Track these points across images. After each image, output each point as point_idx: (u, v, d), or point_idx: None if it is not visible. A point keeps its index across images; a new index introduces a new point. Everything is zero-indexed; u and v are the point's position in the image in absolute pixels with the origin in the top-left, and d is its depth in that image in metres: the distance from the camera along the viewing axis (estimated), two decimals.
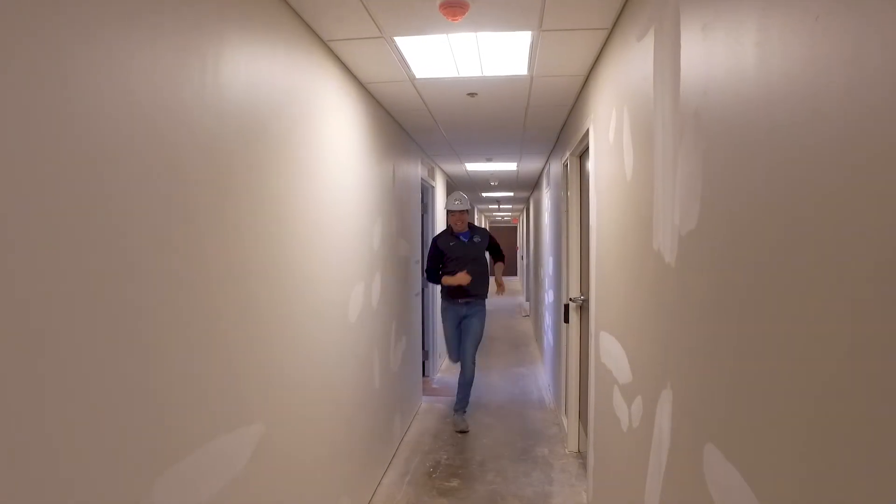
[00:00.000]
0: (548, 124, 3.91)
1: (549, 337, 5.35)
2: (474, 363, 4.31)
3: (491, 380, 5.61)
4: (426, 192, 5.43)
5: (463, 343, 4.29)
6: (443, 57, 2.48)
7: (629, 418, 1.85)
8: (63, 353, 0.92)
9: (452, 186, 7.57)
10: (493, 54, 2.44)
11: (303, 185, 2.00)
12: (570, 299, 3.61)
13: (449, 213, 4.32)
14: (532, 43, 2.29)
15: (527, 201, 10.71)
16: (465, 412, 4.25)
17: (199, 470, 1.32)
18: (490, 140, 4.54)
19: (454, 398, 4.36)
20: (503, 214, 17.19)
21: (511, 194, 9.71)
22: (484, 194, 9.62)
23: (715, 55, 1.12)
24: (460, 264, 4.19)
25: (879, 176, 0.63)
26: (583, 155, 3.46)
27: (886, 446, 0.61)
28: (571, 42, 2.28)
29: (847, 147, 0.69)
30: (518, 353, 7.06)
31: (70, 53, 0.94)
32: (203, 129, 1.34)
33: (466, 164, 5.95)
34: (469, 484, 3.20)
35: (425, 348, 5.32)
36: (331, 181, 2.34)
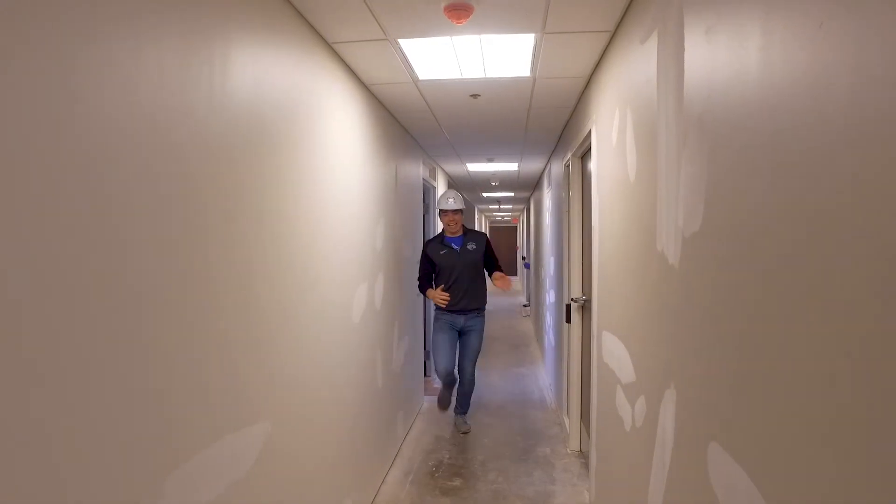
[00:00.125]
0: (550, 125, 3.92)
1: (550, 337, 5.37)
2: (474, 376, 4.06)
3: (491, 380, 5.62)
4: (427, 193, 5.44)
5: (461, 359, 3.96)
6: (446, 59, 2.49)
7: (632, 418, 1.87)
8: (72, 356, 0.93)
9: (453, 187, 7.59)
10: (497, 56, 2.46)
11: (307, 186, 2.01)
12: (572, 299, 3.63)
13: (441, 212, 3.91)
14: (535, 45, 2.30)
15: (527, 201, 10.73)
16: (465, 413, 4.15)
17: (207, 468, 1.33)
18: (492, 141, 4.55)
19: (454, 401, 4.20)
20: (503, 214, 17.20)
21: (511, 194, 9.73)
22: (484, 194, 9.64)
23: (718, 58, 1.13)
24: (451, 276, 3.79)
25: (882, 178, 0.64)
26: (584, 156, 3.47)
27: (891, 444, 0.63)
28: (574, 44, 2.29)
29: (850, 150, 0.70)
30: (518, 353, 7.07)
31: (75, 54, 0.95)
32: (209, 129, 1.36)
33: (468, 165, 5.96)
34: (471, 483, 3.22)
35: (427, 348, 5.34)
36: (334, 182, 2.35)
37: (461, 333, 3.92)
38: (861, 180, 0.69)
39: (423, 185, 5.03)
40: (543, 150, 5.03)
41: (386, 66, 2.57)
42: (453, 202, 3.87)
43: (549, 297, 5.40)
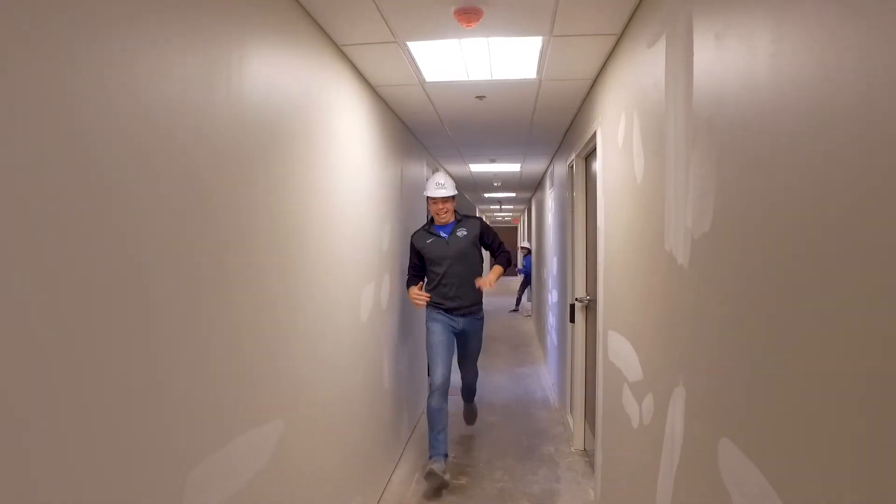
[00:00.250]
0: (553, 126, 3.95)
1: (552, 337, 5.39)
2: (476, 368, 3.70)
3: (495, 379, 5.65)
4: None
5: (462, 362, 3.61)
6: (453, 61, 2.52)
7: (640, 416, 1.89)
8: (99, 357, 0.96)
9: (460, 190, 7.60)
10: (504, 58, 2.49)
11: (316, 186, 2.04)
12: (576, 299, 3.66)
13: (429, 200, 3.37)
14: (542, 47, 2.33)
15: (528, 202, 10.76)
16: (472, 402, 3.86)
17: (227, 465, 1.36)
18: (495, 142, 4.58)
19: (459, 397, 3.88)
20: (504, 215, 17.23)
21: (513, 195, 9.76)
22: (486, 195, 9.67)
23: (728, 63, 1.16)
24: (440, 268, 3.33)
25: (891, 181, 0.67)
26: (588, 156, 3.50)
27: None
28: (581, 47, 2.32)
29: (860, 153, 0.73)
30: (520, 353, 7.10)
31: (110, 55, 0.98)
32: (225, 128, 1.38)
33: (470, 166, 5.99)
34: (477, 482, 3.24)
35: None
36: (342, 183, 2.38)
37: (459, 336, 3.46)
38: (870, 182, 0.71)
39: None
40: (546, 150, 5.06)
41: (393, 68, 2.59)
42: (443, 188, 3.29)
43: (552, 297, 5.42)
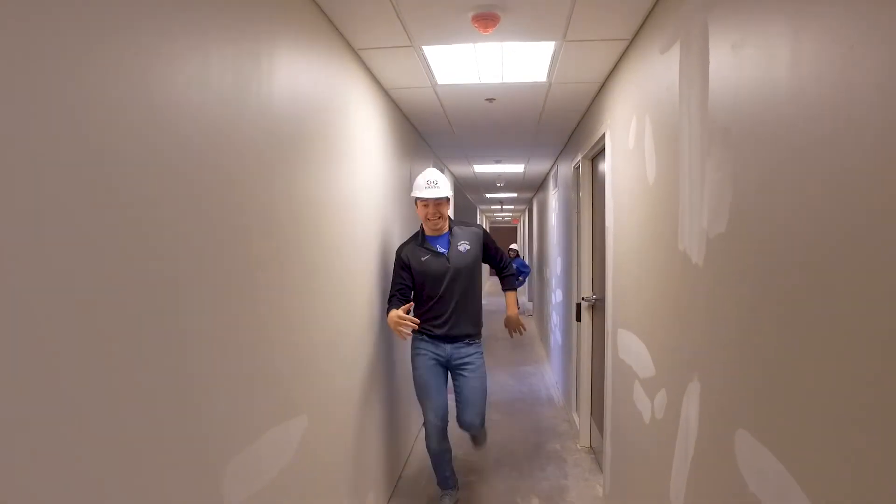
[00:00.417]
0: (560, 128, 4.00)
1: (556, 336, 5.45)
2: (485, 433, 2.97)
3: (499, 378, 5.70)
4: None
5: (461, 412, 2.76)
6: (466, 64, 2.57)
7: (652, 411, 1.95)
8: (148, 355, 1.01)
9: (459, 187, 7.67)
10: (516, 62, 2.54)
11: (334, 193, 2.09)
12: (583, 298, 3.71)
13: (419, 202, 2.74)
14: (555, 52, 2.38)
15: (529, 202, 10.82)
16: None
17: (260, 456, 1.41)
18: (501, 143, 4.63)
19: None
20: (504, 215, 17.29)
21: (515, 195, 9.82)
22: (488, 195, 9.72)
23: (745, 73, 1.21)
24: (437, 290, 2.69)
25: None
26: (595, 158, 3.55)
27: None
28: (592, 51, 2.37)
29: (877, 162, 0.78)
30: (524, 351, 7.15)
31: (164, 60, 1.03)
32: (259, 128, 1.44)
33: (475, 166, 6.05)
34: (486, 478, 3.29)
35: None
36: (358, 187, 2.43)
37: (451, 372, 2.80)
38: (887, 189, 0.76)
39: None
40: (551, 151, 5.11)
41: (407, 71, 2.64)
42: (435, 187, 2.66)
43: (556, 296, 5.48)
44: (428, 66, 2.57)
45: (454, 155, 5.23)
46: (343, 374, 2.18)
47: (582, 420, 3.80)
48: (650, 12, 1.97)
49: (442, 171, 5.63)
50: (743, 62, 1.22)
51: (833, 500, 0.88)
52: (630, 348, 2.30)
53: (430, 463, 2.91)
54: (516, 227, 18.97)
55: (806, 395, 0.97)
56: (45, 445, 0.77)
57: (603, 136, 2.90)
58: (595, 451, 3.59)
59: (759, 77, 1.14)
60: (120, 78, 0.91)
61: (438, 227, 2.73)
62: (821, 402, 0.92)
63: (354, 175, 2.36)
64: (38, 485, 0.76)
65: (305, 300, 1.76)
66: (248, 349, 1.36)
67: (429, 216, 2.71)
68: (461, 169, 6.24)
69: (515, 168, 6.26)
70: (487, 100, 3.19)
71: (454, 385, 2.81)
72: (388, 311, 2.59)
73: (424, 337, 2.76)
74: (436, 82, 2.84)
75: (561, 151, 5.06)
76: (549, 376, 5.81)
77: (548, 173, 6.52)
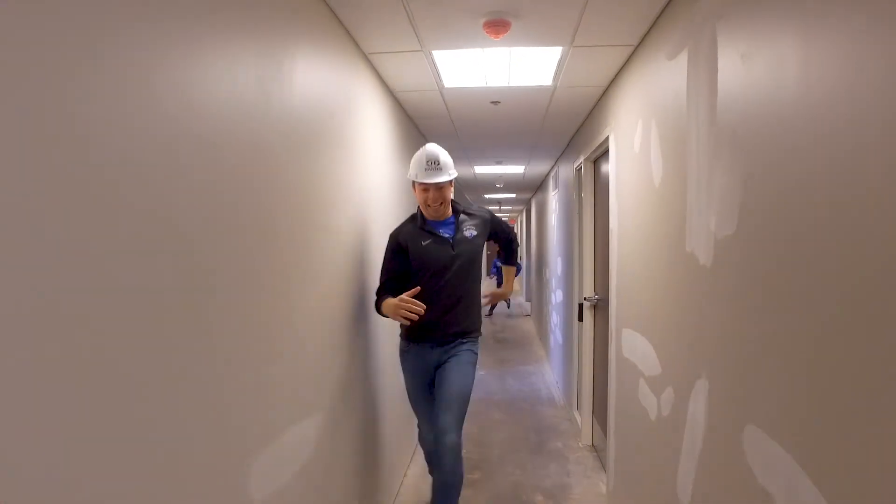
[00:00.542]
0: (562, 130, 4.05)
1: (556, 335, 5.50)
2: (459, 447, 2.24)
3: (500, 378, 5.75)
4: None
5: (438, 408, 2.27)
6: (474, 68, 2.62)
7: (658, 408, 2.00)
8: (184, 361, 1.05)
9: (459, 188, 7.72)
10: (523, 66, 2.58)
11: (343, 190, 2.14)
12: (585, 298, 3.76)
13: (418, 186, 2.33)
14: (562, 57, 2.43)
15: (527, 202, 10.88)
16: None
17: (282, 452, 1.45)
18: (504, 144, 4.68)
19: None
20: (502, 215, 17.35)
21: (513, 196, 9.87)
22: (487, 195, 9.77)
23: (754, 82, 1.26)
24: (438, 280, 2.30)
25: None
26: (598, 160, 3.60)
27: None
28: (598, 56, 2.42)
29: (885, 171, 0.83)
30: (523, 351, 7.21)
31: (194, 67, 1.07)
32: (281, 127, 1.48)
33: (475, 167, 6.09)
34: (490, 476, 3.34)
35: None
36: (367, 183, 2.47)
37: (440, 366, 2.37)
38: (890, 193, 0.81)
39: None
40: (552, 153, 5.16)
41: (415, 75, 2.69)
42: (437, 171, 2.27)
43: (556, 296, 5.53)
44: (436, 69, 2.61)
45: (455, 156, 5.27)
46: (353, 375, 2.22)
47: (583, 418, 3.85)
48: (656, 20, 2.02)
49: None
50: (752, 72, 1.27)
51: (842, 490, 0.93)
52: (635, 347, 2.35)
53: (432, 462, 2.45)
54: (512, 227, 19.05)
55: (815, 390, 1.01)
56: (90, 441, 0.81)
57: (607, 139, 2.95)
58: (597, 449, 3.64)
59: (768, 86, 1.19)
60: (158, 79, 0.96)
61: (439, 213, 2.35)
62: (830, 397, 0.97)
63: (366, 175, 2.40)
64: (84, 479, 0.80)
65: (329, 304, 1.80)
66: (273, 351, 1.40)
67: (429, 202, 2.30)
68: (462, 170, 6.29)
69: (516, 169, 6.31)
70: (493, 102, 3.23)
71: (435, 383, 2.38)
72: (379, 301, 2.26)
73: (410, 341, 2.38)
74: (443, 85, 2.89)
75: (562, 153, 5.11)
76: (548, 375, 5.86)
77: (547, 174, 6.58)
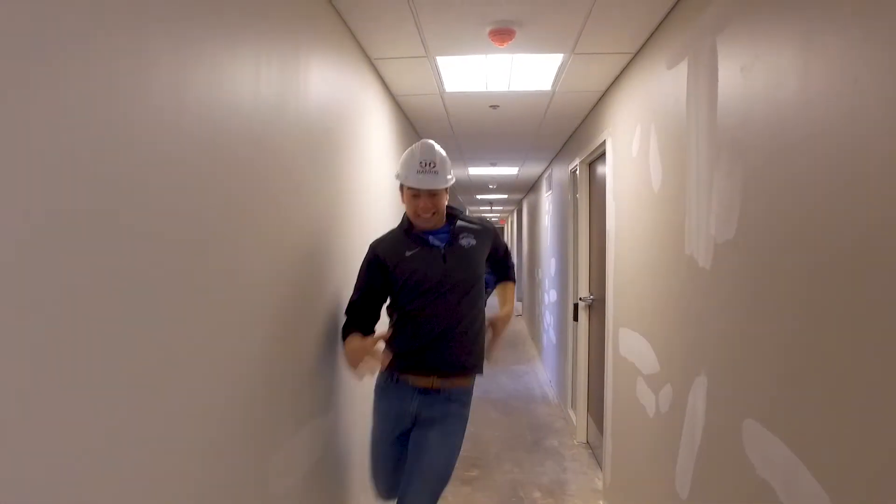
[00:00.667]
0: (557, 133, 4.12)
1: (550, 335, 5.57)
2: None
3: (494, 377, 5.81)
4: None
5: (405, 487, 1.83)
6: (476, 73, 2.67)
7: (656, 405, 2.06)
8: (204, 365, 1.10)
9: (452, 188, 7.76)
10: (523, 71, 2.64)
11: (350, 193, 2.18)
12: (580, 299, 3.83)
13: (408, 191, 1.88)
14: (562, 63, 2.49)
15: (519, 203, 10.96)
16: None
17: (298, 449, 1.49)
18: (500, 147, 4.74)
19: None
20: (493, 216, 17.42)
21: (505, 196, 9.94)
22: (479, 196, 9.84)
23: (753, 94, 1.33)
24: (427, 299, 1.82)
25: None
26: (593, 163, 3.67)
27: None
28: (597, 63, 2.49)
29: (879, 179, 0.90)
30: (516, 351, 7.28)
31: (217, 74, 1.11)
32: (296, 128, 1.53)
33: (469, 168, 6.15)
34: (488, 473, 3.40)
35: None
36: (369, 187, 2.52)
37: (422, 425, 1.87)
38: (886, 199, 0.88)
39: None
40: (546, 155, 5.23)
41: (418, 79, 2.74)
42: (433, 174, 1.84)
43: (550, 296, 5.60)
44: (439, 74, 2.67)
45: (451, 157, 5.28)
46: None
47: (578, 416, 3.93)
48: (656, 29, 2.09)
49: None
50: (752, 83, 1.34)
51: (840, 480, 1.00)
52: (632, 346, 2.42)
53: None
54: (503, 228, 19.16)
55: (812, 385, 1.08)
56: (126, 437, 0.85)
57: (604, 143, 3.01)
58: (592, 446, 3.71)
59: (768, 97, 1.26)
60: (192, 83, 1.00)
61: (432, 224, 1.89)
62: (827, 391, 1.04)
63: (370, 175, 2.45)
64: (118, 474, 0.84)
65: (327, 307, 1.85)
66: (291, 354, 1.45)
67: (419, 211, 1.85)
68: (456, 171, 6.32)
69: (510, 171, 6.37)
70: (492, 106, 3.29)
71: (410, 442, 1.88)
72: (346, 331, 1.83)
73: (393, 378, 1.87)
74: (444, 90, 2.94)
75: (556, 155, 5.19)
76: (542, 374, 5.93)
77: (541, 176, 6.65)
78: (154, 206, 0.87)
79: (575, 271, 4.00)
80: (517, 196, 9.87)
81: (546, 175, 6.06)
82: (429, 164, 1.85)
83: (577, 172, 3.89)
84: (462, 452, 2.09)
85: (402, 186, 1.92)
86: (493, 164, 5.89)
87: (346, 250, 2.04)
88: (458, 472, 3.37)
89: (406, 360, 1.83)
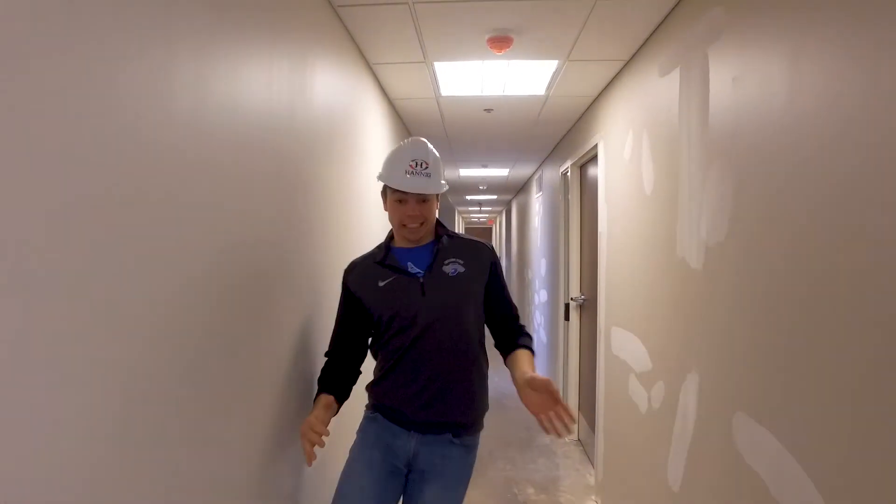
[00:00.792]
0: (549, 136, 4.19)
1: (540, 335, 5.65)
2: None
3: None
4: None
5: None
6: (471, 78, 2.72)
7: (648, 402, 2.13)
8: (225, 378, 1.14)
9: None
10: (519, 77, 2.70)
11: (351, 195, 2.23)
12: (571, 299, 3.90)
13: (391, 195, 1.56)
14: (557, 69, 2.56)
15: (508, 204, 11.04)
16: None
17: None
18: (492, 149, 4.80)
19: None
20: (481, 216, 17.50)
21: (495, 197, 10.02)
22: (468, 197, 9.90)
23: (744, 103, 1.40)
24: (406, 335, 1.51)
25: (891, 207, 0.91)
26: (584, 165, 3.75)
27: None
28: (591, 69, 2.55)
29: (864, 184, 0.97)
30: None
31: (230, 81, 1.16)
32: (300, 128, 1.57)
33: (460, 170, 6.21)
34: (482, 471, 3.45)
35: None
36: (366, 190, 2.57)
37: (409, 476, 1.56)
38: (869, 203, 0.95)
39: None
40: (537, 157, 5.30)
41: (414, 84, 2.79)
42: (423, 176, 1.54)
43: (540, 296, 5.68)
44: (436, 79, 2.72)
45: (443, 158, 5.37)
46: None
47: None
48: (649, 38, 2.16)
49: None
50: (743, 92, 1.41)
51: (825, 467, 1.07)
52: (625, 345, 2.49)
53: None
54: (491, 228, 19.26)
55: (798, 378, 1.15)
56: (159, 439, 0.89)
57: (596, 146, 3.09)
58: (583, 444, 3.78)
59: (759, 106, 1.33)
60: (210, 89, 1.04)
61: (418, 236, 1.58)
62: (812, 384, 1.11)
63: (368, 176, 2.49)
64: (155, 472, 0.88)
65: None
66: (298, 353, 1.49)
67: (405, 220, 1.56)
68: (447, 172, 6.40)
69: (500, 172, 6.44)
70: (486, 110, 3.35)
71: (403, 498, 1.56)
72: (320, 383, 1.58)
73: (378, 414, 1.57)
74: (440, 94, 2.99)
75: (547, 157, 5.26)
76: None
77: (531, 177, 6.72)
78: (173, 202, 0.92)
79: (566, 271, 4.07)
80: (507, 197, 9.95)
81: (537, 177, 6.14)
82: (420, 165, 1.53)
83: (569, 174, 3.96)
84: None
85: (384, 190, 1.59)
86: (485, 166, 5.95)
87: (346, 250, 2.09)
88: None
89: (388, 414, 1.53)
